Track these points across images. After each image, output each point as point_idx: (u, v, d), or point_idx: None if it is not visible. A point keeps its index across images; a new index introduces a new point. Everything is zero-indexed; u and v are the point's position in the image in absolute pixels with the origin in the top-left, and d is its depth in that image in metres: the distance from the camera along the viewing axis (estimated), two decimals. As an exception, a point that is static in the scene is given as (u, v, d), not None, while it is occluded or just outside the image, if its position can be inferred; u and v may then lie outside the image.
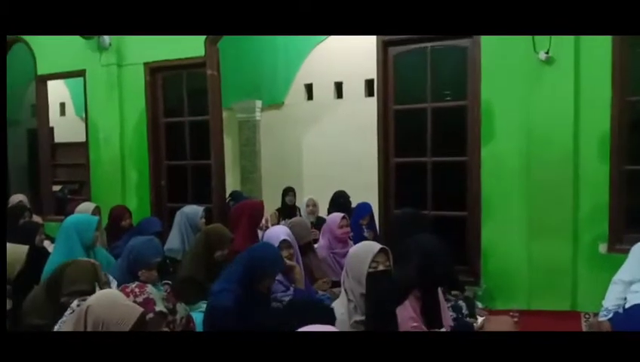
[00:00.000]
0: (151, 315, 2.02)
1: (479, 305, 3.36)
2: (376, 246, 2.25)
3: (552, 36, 3.28)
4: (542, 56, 3.32)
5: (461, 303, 2.80)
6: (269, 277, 2.39)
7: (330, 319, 1.87)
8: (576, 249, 3.39)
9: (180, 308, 2.41)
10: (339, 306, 2.19)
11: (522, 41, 3.39)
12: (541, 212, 3.44)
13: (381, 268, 2.18)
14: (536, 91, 3.42)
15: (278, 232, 2.98)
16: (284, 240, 2.88)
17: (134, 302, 2.10)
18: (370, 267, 2.16)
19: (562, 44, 3.30)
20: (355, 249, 2.35)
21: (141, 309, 1.83)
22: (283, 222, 4.97)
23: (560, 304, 3.40)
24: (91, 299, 1.81)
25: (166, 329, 2.13)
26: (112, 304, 1.78)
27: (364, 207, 4.15)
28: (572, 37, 3.28)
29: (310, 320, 1.43)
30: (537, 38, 3.33)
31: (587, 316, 3.28)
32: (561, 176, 3.38)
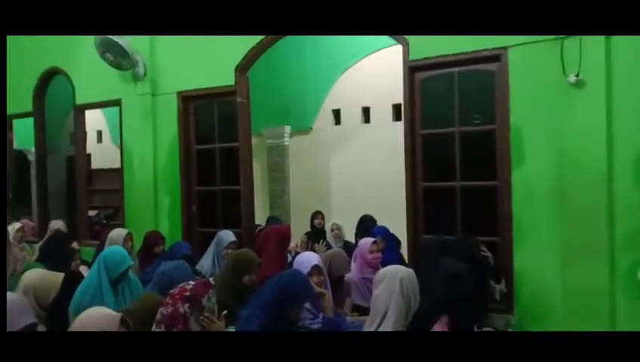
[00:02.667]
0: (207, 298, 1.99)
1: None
2: None
3: (582, 59, 3.24)
4: (572, 79, 3.27)
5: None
6: (298, 306, 2.40)
7: None
8: (612, 275, 3.26)
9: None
10: None
11: (551, 64, 3.36)
12: (575, 237, 3.34)
13: None
14: (566, 114, 3.36)
15: (310, 258, 2.99)
16: (316, 266, 2.88)
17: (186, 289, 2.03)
18: None
19: (593, 67, 3.24)
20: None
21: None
22: (317, 245, 5.01)
23: (596, 332, 3.28)
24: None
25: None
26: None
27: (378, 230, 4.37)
28: (603, 59, 3.22)
29: None
30: (567, 60, 3.29)
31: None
32: (595, 200, 3.27)
